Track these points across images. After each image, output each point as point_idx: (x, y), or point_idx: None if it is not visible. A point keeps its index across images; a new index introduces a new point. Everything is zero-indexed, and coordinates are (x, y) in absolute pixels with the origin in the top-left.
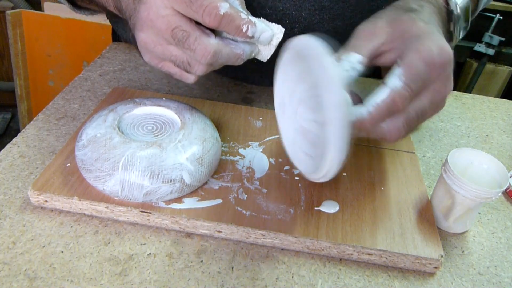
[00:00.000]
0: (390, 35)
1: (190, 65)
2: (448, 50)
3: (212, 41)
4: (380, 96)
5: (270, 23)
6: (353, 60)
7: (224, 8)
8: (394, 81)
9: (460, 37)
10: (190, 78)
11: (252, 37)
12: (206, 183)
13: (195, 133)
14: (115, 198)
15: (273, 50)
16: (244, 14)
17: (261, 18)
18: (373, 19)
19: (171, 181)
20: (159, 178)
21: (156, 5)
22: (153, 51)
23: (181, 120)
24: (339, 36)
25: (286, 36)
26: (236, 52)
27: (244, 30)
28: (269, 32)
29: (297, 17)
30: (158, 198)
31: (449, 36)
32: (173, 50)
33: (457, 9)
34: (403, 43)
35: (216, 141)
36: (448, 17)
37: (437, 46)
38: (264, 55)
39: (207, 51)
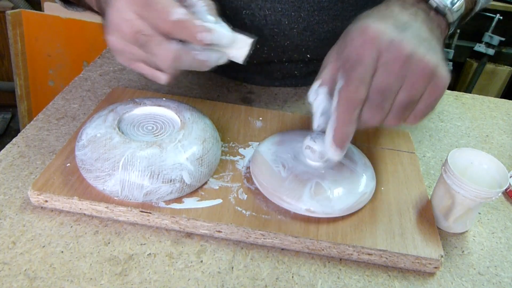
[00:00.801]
0: (335, 53)
1: (157, 66)
2: (372, 26)
3: (173, 47)
4: (334, 101)
5: (238, 33)
6: (315, 87)
7: (177, 14)
8: (338, 83)
9: (458, 4)
10: (162, 78)
11: (211, 44)
12: (206, 183)
13: (195, 133)
14: (115, 198)
15: (246, 53)
16: (200, 22)
17: (225, 24)
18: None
19: (171, 181)
20: (159, 178)
21: (120, 9)
22: (123, 53)
23: (181, 120)
24: (338, 37)
25: (286, 37)
26: (199, 58)
27: (198, 38)
28: (228, 38)
29: (296, 17)
30: (158, 198)
31: (428, 12)
32: (140, 53)
33: None
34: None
35: (216, 141)
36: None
37: (358, 30)
38: (238, 57)
39: (167, 56)
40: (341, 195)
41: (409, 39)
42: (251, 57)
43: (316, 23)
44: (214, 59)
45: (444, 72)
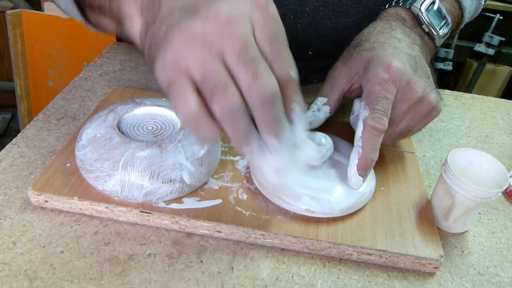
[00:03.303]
0: (347, 76)
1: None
2: (394, 65)
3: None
4: (359, 130)
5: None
6: (320, 103)
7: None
8: (363, 113)
9: (444, 31)
10: (186, 105)
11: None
12: (206, 183)
13: None
14: (115, 198)
15: (289, 174)
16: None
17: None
18: (336, 63)
19: (171, 181)
20: (159, 178)
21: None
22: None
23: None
24: (341, 34)
25: (290, 32)
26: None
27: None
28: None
29: (301, 12)
30: (158, 198)
31: (423, 37)
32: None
33: (422, 13)
34: (359, 76)
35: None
36: (417, 21)
37: (383, 67)
38: (277, 173)
39: (227, 105)
40: (341, 195)
41: (420, 81)
42: None
43: (320, 19)
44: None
45: (440, 106)
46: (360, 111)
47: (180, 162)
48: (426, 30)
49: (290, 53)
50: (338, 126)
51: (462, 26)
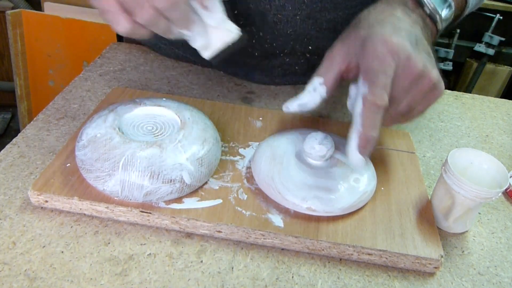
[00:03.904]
0: (344, 54)
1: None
2: (391, 40)
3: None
4: (358, 107)
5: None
6: (316, 83)
7: None
8: (361, 90)
9: (446, 14)
10: (123, 26)
11: (206, 8)
12: (206, 183)
13: (195, 133)
14: (115, 198)
15: (225, 42)
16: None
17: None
18: (334, 43)
19: (171, 181)
20: (159, 178)
21: None
22: None
23: (181, 120)
24: (340, 27)
25: (289, 24)
26: (179, 30)
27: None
28: (222, 14)
29: (299, 3)
30: (158, 198)
31: (425, 19)
32: None
33: None
34: (356, 54)
35: (216, 141)
36: (418, 3)
37: (380, 42)
38: (214, 44)
39: (148, 10)
40: (342, 194)
41: (420, 56)
42: (253, 49)
43: (318, 11)
44: (189, 34)
45: (442, 85)
46: (358, 88)
47: (180, 162)
48: (428, 12)
49: None
50: (338, 126)
51: (465, 14)
